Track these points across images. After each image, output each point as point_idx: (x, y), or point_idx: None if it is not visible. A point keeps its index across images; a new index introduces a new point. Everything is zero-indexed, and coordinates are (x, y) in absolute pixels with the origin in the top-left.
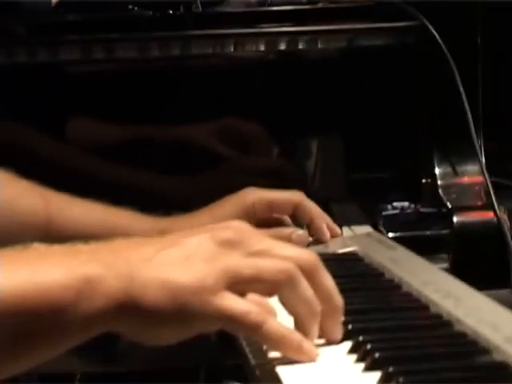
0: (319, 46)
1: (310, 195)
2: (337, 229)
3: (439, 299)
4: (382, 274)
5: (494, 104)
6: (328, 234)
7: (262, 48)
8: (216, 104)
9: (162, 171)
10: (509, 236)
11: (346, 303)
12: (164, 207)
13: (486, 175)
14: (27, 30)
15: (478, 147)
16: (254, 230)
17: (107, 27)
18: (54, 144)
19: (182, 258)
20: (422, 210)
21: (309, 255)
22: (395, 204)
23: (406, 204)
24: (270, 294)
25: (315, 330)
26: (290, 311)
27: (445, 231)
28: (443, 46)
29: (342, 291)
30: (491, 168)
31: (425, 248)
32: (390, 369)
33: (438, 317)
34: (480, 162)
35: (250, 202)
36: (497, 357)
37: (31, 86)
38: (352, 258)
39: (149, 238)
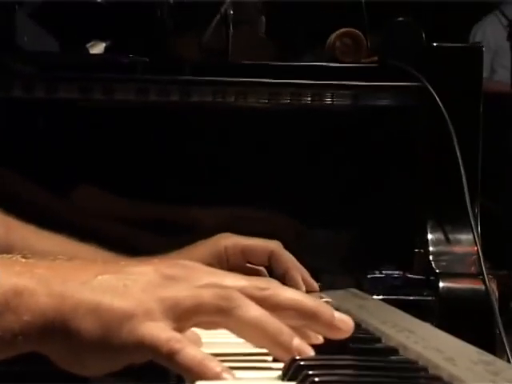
0: (323, 101)
1: (300, 261)
2: (314, 283)
3: (393, 333)
4: None
5: (493, 173)
6: (303, 287)
7: (265, 100)
8: (214, 158)
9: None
10: (496, 306)
11: None
12: None
13: (478, 244)
14: (26, 65)
15: (471, 215)
16: (204, 268)
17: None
18: (44, 194)
19: (120, 285)
20: (409, 275)
21: (258, 282)
22: (383, 270)
23: (394, 270)
24: (216, 326)
25: (275, 352)
26: (243, 338)
27: (430, 298)
28: (443, 109)
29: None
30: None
31: (409, 313)
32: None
33: (388, 346)
34: (473, 232)
35: (223, 247)
36: (432, 371)
37: (25, 120)
38: None
39: (92, 263)
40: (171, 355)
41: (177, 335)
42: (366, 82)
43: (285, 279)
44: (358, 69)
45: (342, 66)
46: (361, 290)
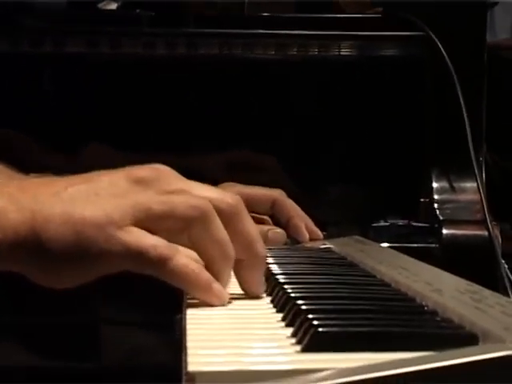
0: (330, 52)
1: (305, 211)
2: (317, 231)
3: (387, 270)
4: (343, 258)
5: (498, 120)
6: (307, 235)
7: (272, 52)
8: (220, 111)
9: None
10: (499, 252)
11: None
12: None
13: (482, 191)
14: (33, 19)
15: (475, 163)
16: (174, 173)
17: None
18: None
19: (91, 193)
20: (414, 223)
21: (229, 198)
22: (388, 218)
23: (399, 219)
24: (182, 232)
25: (226, 275)
26: (200, 252)
27: (434, 245)
28: (446, 58)
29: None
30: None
31: None
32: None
33: (380, 280)
34: (476, 179)
35: None
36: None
37: (33, 75)
38: (322, 250)
39: (62, 177)
40: (163, 261)
41: (163, 241)
42: (371, 32)
43: (288, 227)
44: (363, 19)
45: (347, 16)
46: (366, 238)
